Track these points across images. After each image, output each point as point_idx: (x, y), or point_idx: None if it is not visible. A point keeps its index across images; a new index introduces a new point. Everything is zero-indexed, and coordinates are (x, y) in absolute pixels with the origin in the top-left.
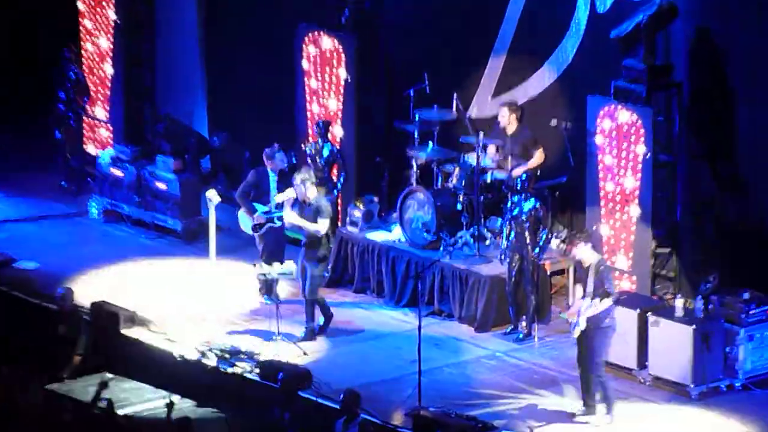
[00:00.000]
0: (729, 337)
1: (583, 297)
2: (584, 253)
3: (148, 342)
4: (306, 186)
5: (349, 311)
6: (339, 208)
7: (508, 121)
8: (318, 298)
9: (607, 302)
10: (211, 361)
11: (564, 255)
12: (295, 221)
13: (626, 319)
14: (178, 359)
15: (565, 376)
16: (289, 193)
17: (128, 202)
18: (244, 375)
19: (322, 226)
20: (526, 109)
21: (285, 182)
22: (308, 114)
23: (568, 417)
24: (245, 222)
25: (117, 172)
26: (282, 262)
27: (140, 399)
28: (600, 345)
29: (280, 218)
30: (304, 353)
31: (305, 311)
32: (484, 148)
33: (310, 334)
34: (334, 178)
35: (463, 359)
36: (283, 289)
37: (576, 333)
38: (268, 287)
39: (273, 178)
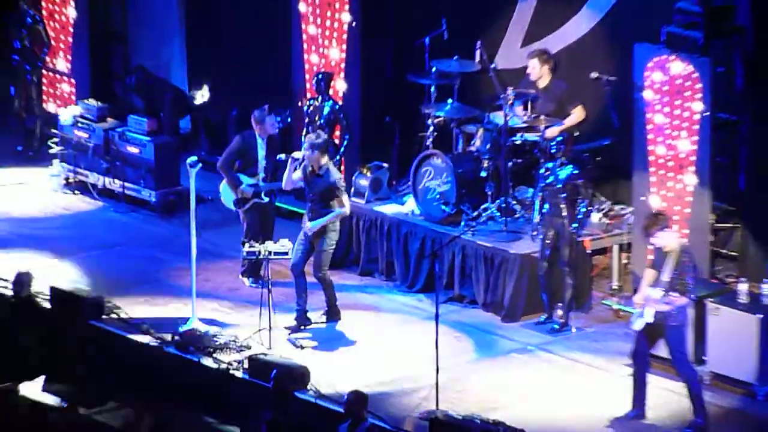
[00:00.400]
0: None
1: (655, 285)
2: (666, 239)
3: (118, 333)
4: (315, 152)
5: (354, 297)
6: (342, 174)
7: (540, 74)
8: (325, 276)
9: (684, 300)
10: (192, 356)
11: (606, 230)
12: (320, 223)
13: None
14: (153, 353)
15: (609, 373)
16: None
17: (94, 169)
18: (231, 372)
19: (347, 204)
20: (561, 59)
21: (274, 149)
22: (306, 66)
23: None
24: (228, 196)
25: (81, 134)
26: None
27: None
28: (679, 341)
29: (269, 193)
30: (301, 347)
31: (296, 290)
32: (513, 105)
33: (303, 317)
34: (337, 141)
35: (488, 354)
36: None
37: (638, 325)
38: (254, 268)
39: (261, 145)
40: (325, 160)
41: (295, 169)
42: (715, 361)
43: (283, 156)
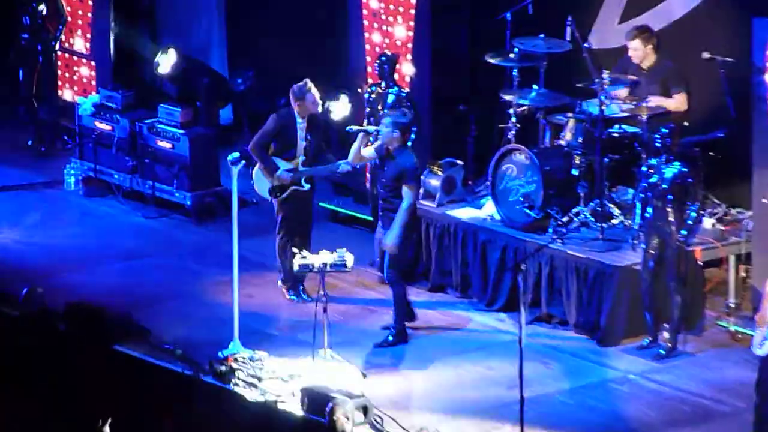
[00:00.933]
0: None
1: None
2: None
3: (148, 360)
4: (394, 131)
5: (424, 316)
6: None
7: (644, 54)
8: (397, 281)
9: None
10: (236, 387)
11: (721, 238)
12: (396, 233)
13: None
14: (188, 383)
15: (725, 407)
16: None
17: (119, 167)
18: (279, 405)
19: (411, 194)
20: (667, 39)
21: (316, 130)
22: (366, 46)
23: None
24: (261, 184)
25: (103, 127)
26: (308, 240)
27: None
28: None
29: (309, 180)
30: (363, 375)
31: (394, 309)
32: (609, 90)
33: (400, 336)
34: None
35: (582, 383)
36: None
37: (765, 350)
38: (295, 280)
39: (301, 125)
40: (401, 141)
41: (367, 144)
42: None
43: (354, 128)
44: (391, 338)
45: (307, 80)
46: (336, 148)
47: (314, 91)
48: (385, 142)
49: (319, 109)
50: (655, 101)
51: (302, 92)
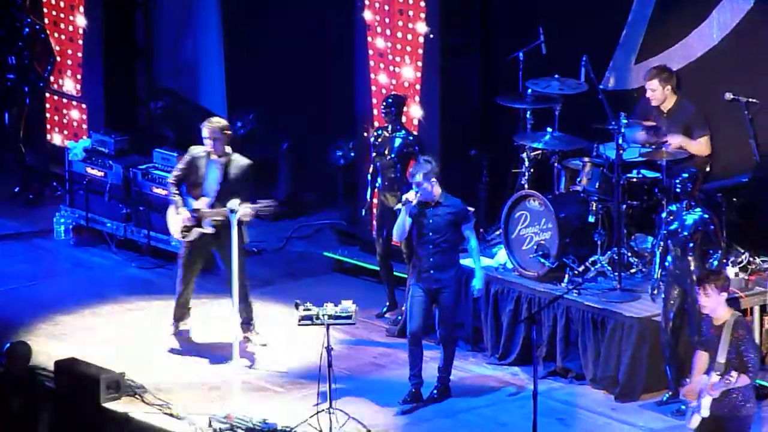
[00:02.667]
0: None
1: (709, 372)
2: (715, 304)
3: (141, 419)
4: (432, 181)
5: (432, 370)
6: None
7: (663, 96)
8: (455, 337)
9: (745, 379)
10: None
11: (746, 288)
12: (480, 271)
13: None
14: None
15: None
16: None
17: (112, 215)
18: None
19: (472, 234)
20: (686, 78)
21: (234, 174)
22: (373, 88)
23: None
24: (173, 222)
25: (95, 173)
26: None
27: None
28: None
29: (218, 224)
30: None
31: (411, 362)
32: (626, 134)
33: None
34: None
35: None
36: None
37: (694, 423)
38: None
39: (215, 164)
40: (438, 189)
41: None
42: None
43: (399, 206)
44: (436, 394)
45: (214, 118)
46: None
47: (205, 127)
48: (431, 197)
49: (209, 147)
50: (676, 143)
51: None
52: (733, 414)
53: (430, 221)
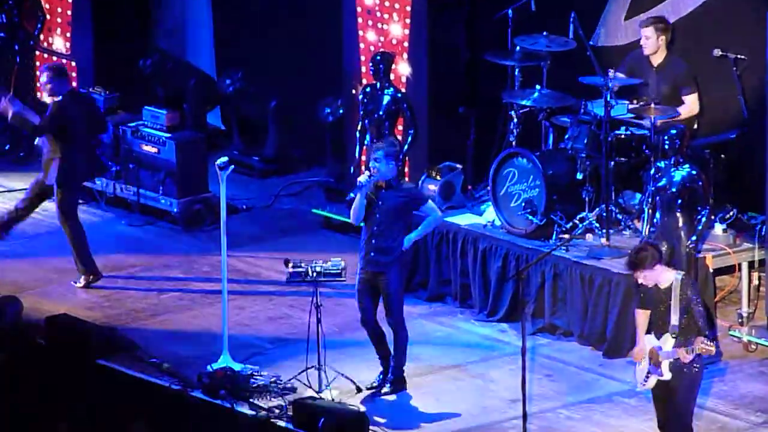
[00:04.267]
0: None
1: (657, 333)
2: (656, 277)
3: (132, 374)
4: (391, 163)
5: (422, 328)
6: (406, 178)
7: (656, 46)
8: (402, 323)
9: (707, 345)
10: (224, 401)
11: (733, 245)
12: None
13: None
14: (176, 398)
15: (740, 422)
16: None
17: (102, 173)
18: (271, 420)
19: (437, 212)
20: (675, 35)
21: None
22: (361, 45)
23: None
24: None
25: None
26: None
27: None
28: (687, 398)
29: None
30: (358, 389)
31: (376, 346)
32: (616, 89)
33: (399, 384)
34: (399, 137)
35: (587, 397)
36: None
37: (650, 384)
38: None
39: None
40: (395, 171)
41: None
42: None
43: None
44: (389, 387)
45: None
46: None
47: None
48: (385, 177)
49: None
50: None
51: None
52: (684, 372)
53: (380, 203)
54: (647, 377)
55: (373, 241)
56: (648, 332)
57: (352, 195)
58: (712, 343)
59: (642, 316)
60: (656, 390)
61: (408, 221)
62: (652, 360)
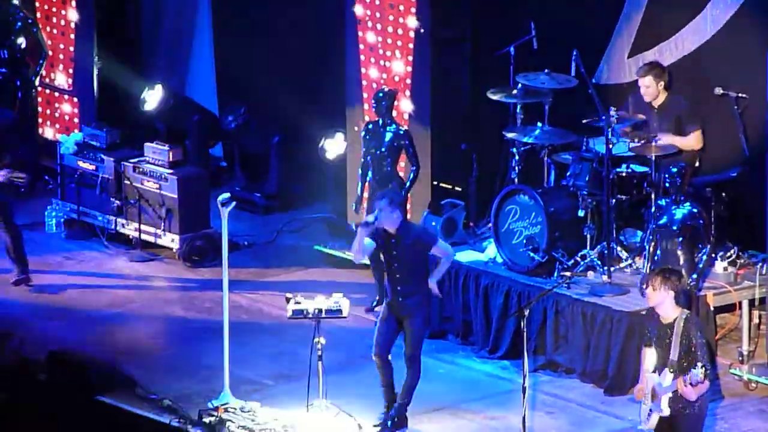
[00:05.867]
0: None
1: (659, 370)
2: (663, 302)
3: (134, 412)
4: (395, 211)
5: (423, 364)
6: (408, 215)
7: (656, 92)
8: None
9: (707, 383)
10: None
11: (735, 283)
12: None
13: None
14: None
15: None
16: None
17: (103, 209)
18: None
19: (448, 247)
20: (677, 73)
21: None
22: (363, 82)
23: None
24: None
25: (87, 166)
26: None
27: None
28: None
29: None
30: (360, 426)
31: (383, 382)
32: (617, 128)
33: (402, 421)
34: (402, 174)
35: None
36: None
37: (653, 422)
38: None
39: None
40: (401, 218)
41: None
42: None
43: (356, 226)
44: (390, 424)
45: None
46: None
47: None
48: (388, 226)
49: None
50: (666, 140)
51: None
52: (686, 413)
53: (394, 253)
54: (649, 415)
55: (399, 288)
56: (654, 371)
57: (354, 228)
58: (701, 374)
59: (647, 354)
60: (659, 428)
61: (426, 262)
62: (654, 398)
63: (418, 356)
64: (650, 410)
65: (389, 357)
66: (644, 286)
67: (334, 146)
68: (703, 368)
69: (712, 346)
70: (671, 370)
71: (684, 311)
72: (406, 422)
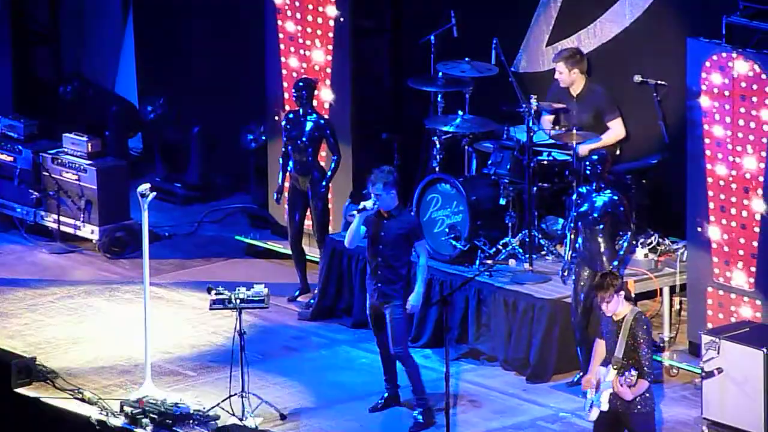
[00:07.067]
0: None
1: (607, 364)
2: (616, 306)
3: (53, 404)
4: (392, 192)
5: (346, 354)
6: (330, 204)
7: (570, 79)
8: (407, 353)
9: (643, 384)
10: (146, 430)
11: (656, 270)
12: (421, 290)
13: (749, 362)
14: (97, 428)
15: None
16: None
17: (22, 200)
18: None
19: (427, 254)
20: (596, 61)
21: None
22: (283, 71)
23: None
24: None
25: (4, 158)
26: None
27: None
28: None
29: None
30: (282, 416)
31: (416, 387)
32: (538, 117)
33: (428, 414)
34: (323, 163)
35: (511, 423)
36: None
37: (593, 416)
38: None
39: None
40: (397, 199)
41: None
42: None
43: (355, 212)
44: (421, 418)
45: None
46: None
47: None
48: (388, 207)
49: None
50: (585, 151)
51: None
52: (633, 410)
53: (382, 234)
54: (591, 407)
55: (379, 272)
56: (603, 364)
57: (353, 213)
58: (635, 374)
59: (599, 346)
60: (607, 423)
61: (410, 250)
62: (597, 390)
63: (406, 350)
64: (593, 402)
65: (389, 350)
66: (600, 302)
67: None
68: (637, 372)
69: (658, 344)
70: (615, 367)
71: (635, 309)
72: (434, 414)
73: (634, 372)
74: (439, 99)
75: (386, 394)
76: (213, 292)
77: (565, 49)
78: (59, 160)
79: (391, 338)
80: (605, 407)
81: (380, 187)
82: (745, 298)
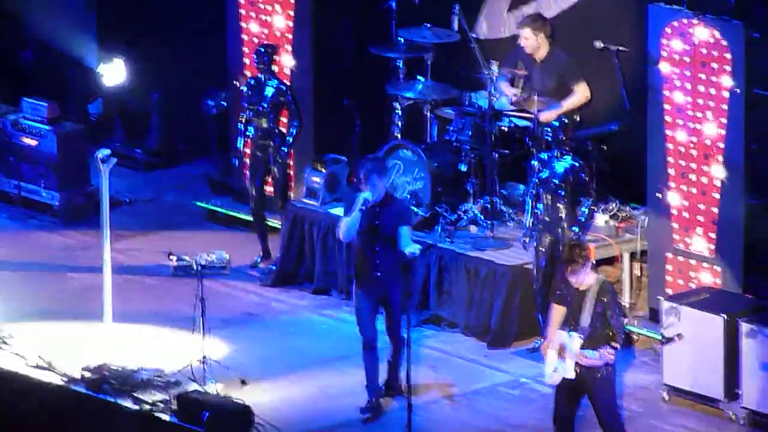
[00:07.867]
0: None
1: (570, 329)
2: (584, 277)
3: (11, 371)
4: (383, 180)
5: (308, 320)
6: (291, 171)
7: (536, 45)
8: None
9: (610, 353)
10: (107, 396)
11: (615, 235)
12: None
13: (709, 328)
14: (57, 394)
15: (622, 411)
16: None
17: None
18: (155, 415)
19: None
20: (558, 27)
21: None
22: (244, 37)
23: None
24: None
25: None
26: None
27: None
28: (609, 398)
29: None
30: (243, 382)
31: (366, 367)
32: (498, 82)
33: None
34: (283, 129)
35: (471, 388)
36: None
37: (556, 379)
38: None
39: None
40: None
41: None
42: (752, 397)
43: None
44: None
45: None
46: None
47: None
48: (381, 196)
49: None
50: (554, 112)
51: None
52: (595, 376)
53: (376, 222)
54: (555, 371)
55: (377, 261)
56: (562, 328)
57: (355, 210)
58: (613, 352)
59: (557, 312)
60: (560, 387)
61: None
62: (560, 356)
63: (402, 336)
64: (556, 367)
65: (375, 345)
66: (569, 274)
67: (112, 72)
68: (613, 350)
69: (625, 311)
70: (580, 336)
71: (599, 277)
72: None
73: (611, 349)
74: (400, 65)
75: (372, 400)
76: (174, 258)
77: (528, 15)
78: (18, 125)
79: (389, 322)
80: (571, 375)
81: (376, 179)
82: (705, 264)
